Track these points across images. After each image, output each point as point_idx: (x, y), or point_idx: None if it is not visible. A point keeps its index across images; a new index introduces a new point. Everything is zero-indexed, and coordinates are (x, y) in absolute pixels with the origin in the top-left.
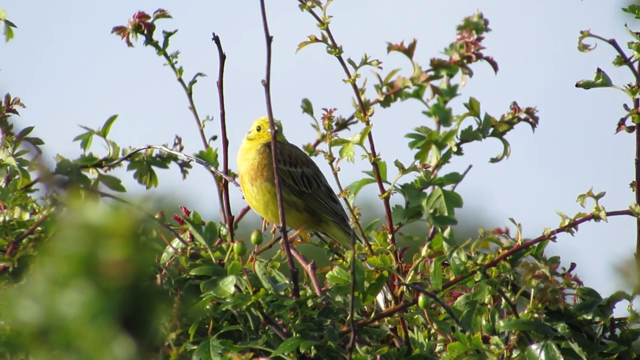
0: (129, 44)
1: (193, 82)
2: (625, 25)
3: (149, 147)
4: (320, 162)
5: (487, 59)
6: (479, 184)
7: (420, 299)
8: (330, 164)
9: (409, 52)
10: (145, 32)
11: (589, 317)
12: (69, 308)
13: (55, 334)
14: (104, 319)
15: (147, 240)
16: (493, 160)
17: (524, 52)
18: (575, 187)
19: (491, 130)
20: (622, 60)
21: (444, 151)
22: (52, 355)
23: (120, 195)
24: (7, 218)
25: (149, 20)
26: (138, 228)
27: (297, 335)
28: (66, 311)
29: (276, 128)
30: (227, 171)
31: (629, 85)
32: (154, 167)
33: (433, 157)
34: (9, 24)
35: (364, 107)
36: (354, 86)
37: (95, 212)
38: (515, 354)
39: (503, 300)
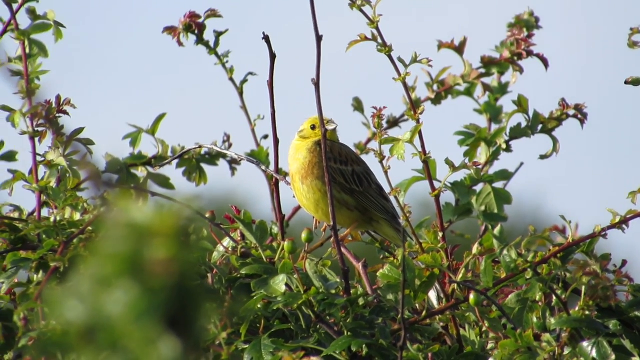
0: (180, 43)
1: (244, 81)
2: None
3: (200, 146)
4: (370, 160)
5: (538, 55)
6: (538, 181)
7: (472, 296)
8: (381, 162)
9: (459, 49)
10: (196, 31)
11: None
12: (114, 307)
13: (102, 333)
14: (149, 318)
15: (197, 239)
16: (542, 157)
17: (574, 48)
18: (630, 183)
19: (540, 127)
20: None
21: (493, 148)
22: (101, 355)
23: (170, 194)
24: (58, 218)
25: (200, 20)
26: (184, 227)
27: (349, 333)
28: (112, 310)
29: (334, 126)
30: (278, 170)
31: None
32: (203, 165)
33: (482, 154)
34: (58, 24)
35: (414, 105)
36: (404, 84)
37: (141, 211)
38: (566, 351)
39: (554, 298)
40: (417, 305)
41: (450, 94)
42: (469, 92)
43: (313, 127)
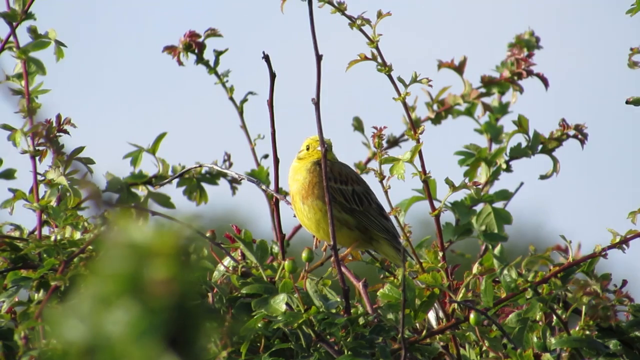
0: (180, 63)
1: (244, 100)
2: None
3: (200, 165)
4: (371, 180)
5: (538, 75)
6: (538, 200)
7: (472, 316)
8: (381, 181)
9: (459, 69)
10: (196, 51)
11: None
12: (114, 327)
13: (102, 353)
14: (149, 337)
15: (197, 259)
16: (543, 177)
17: (574, 68)
18: (630, 203)
19: (540, 147)
20: None
21: (493, 168)
22: None
23: (171, 213)
24: (59, 237)
25: (200, 40)
26: (185, 246)
27: (349, 353)
28: (112, 330)
29: (326, 146)
30: (278, 189)
31: None
32: (203, 184)
33: (482, 174)
34: (59, 43)
35: (414, 124)
36: (404, 104)
37: (141, 231)
38: None
39: (554, 318)
40: (417, 325)
41: (451, 113)
42: (469, 112)
43: (308, 148)
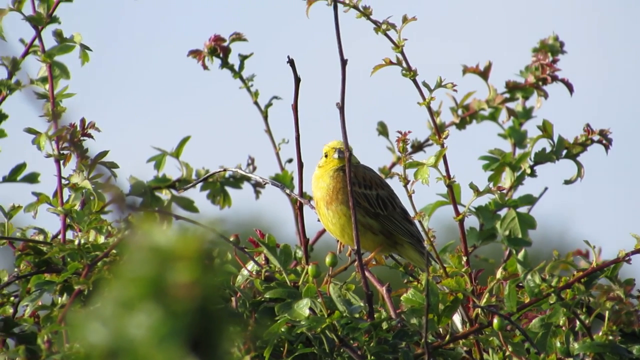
0: (205, 67)
1: (268, 105)
2: None
3: (224, 169)
4: (395, 184)
5: (563, 80)
6: (563, 205)
7: (495, 321)
8: (405, 186)
9: (484, 74)
10: (221, 55)
11: None
12: (137, 330)
13: (124, 356)
14: (172, 341)
15: (221, 263)
16: (567, 182)
17: (599, 73)
18: None
19: (565, 152)
20: None
21: (517, 173)
22: None
23: (194, 217)
24: (83, 241)
25: (225, 44)
26: (208, 250)
27: (372, 357)
28: (134, 334)
29: (349, 151)
30: (302, 194)
31: None
32: (227, 188)
33: (507, 179)
34: (84, 47)
35: (438, 129)
36: (429, 109)
37: (164, 234)
38: None
39: (578, 323)
40: (441, 330)
41: (475, 118)
42: (493, 117)
43: (326, 155)
